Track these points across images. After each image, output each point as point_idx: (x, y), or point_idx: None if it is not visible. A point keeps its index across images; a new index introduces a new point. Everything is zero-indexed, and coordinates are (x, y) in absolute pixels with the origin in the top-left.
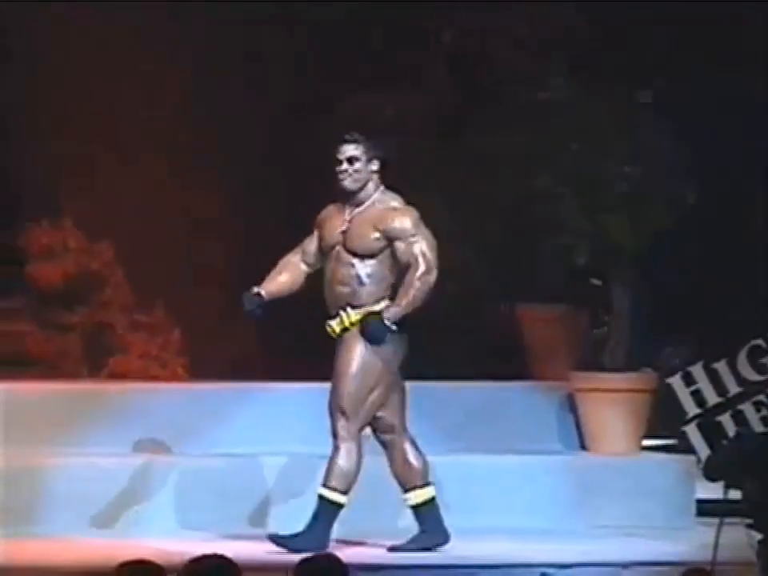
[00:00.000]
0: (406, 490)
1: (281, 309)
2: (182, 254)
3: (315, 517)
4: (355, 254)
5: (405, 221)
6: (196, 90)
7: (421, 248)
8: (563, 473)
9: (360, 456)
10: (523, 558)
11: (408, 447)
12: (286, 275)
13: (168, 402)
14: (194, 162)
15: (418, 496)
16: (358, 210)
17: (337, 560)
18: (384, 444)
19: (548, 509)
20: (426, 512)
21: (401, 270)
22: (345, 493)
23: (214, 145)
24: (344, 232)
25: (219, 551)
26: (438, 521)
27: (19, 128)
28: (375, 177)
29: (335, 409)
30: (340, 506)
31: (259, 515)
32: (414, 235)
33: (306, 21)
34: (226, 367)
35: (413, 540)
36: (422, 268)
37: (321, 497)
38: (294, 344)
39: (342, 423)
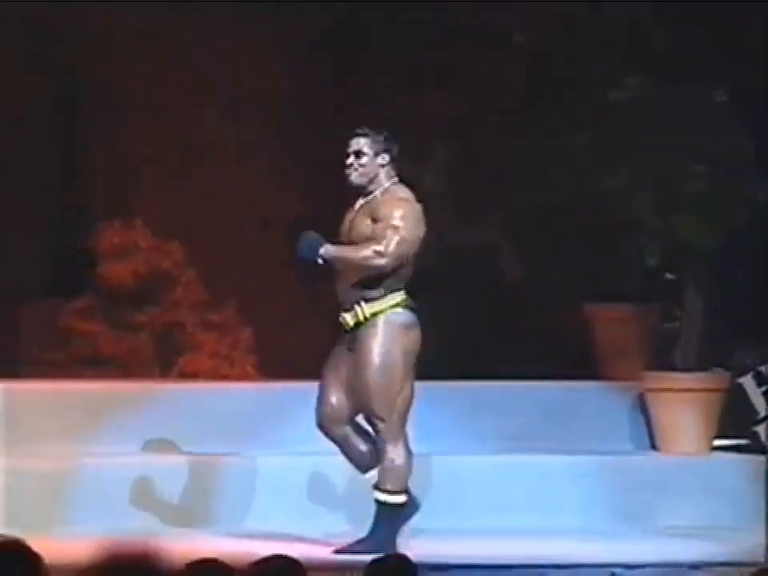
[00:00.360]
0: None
1: None
2: (253, 253)
3: (376, 521)
4: (357, 244)
5: (395, 210)
6: (264, 90)
7: (392, 234)
8: (634, 473)
9: (409, 452)
10: (593, 557)
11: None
12: None
13: (237, 401)
14: (265, 160)
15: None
16: (364, 200)
17: (407, 560)
18: (329, 436)
19: (618, 508)
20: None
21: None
22: (401, 492)
23: (285, 143)
24: (350, 227)
25: (285, 551)
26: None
27: (91, 128)
28: (386, 170)
29: (370, 414)
30: (400, 506)
31: (328, 515)
32: (395, 226)
33: (375, 20)
34: (295, 366)
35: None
36: (378, 247)
37: (378, 501)
38: None
39: (381, 426)
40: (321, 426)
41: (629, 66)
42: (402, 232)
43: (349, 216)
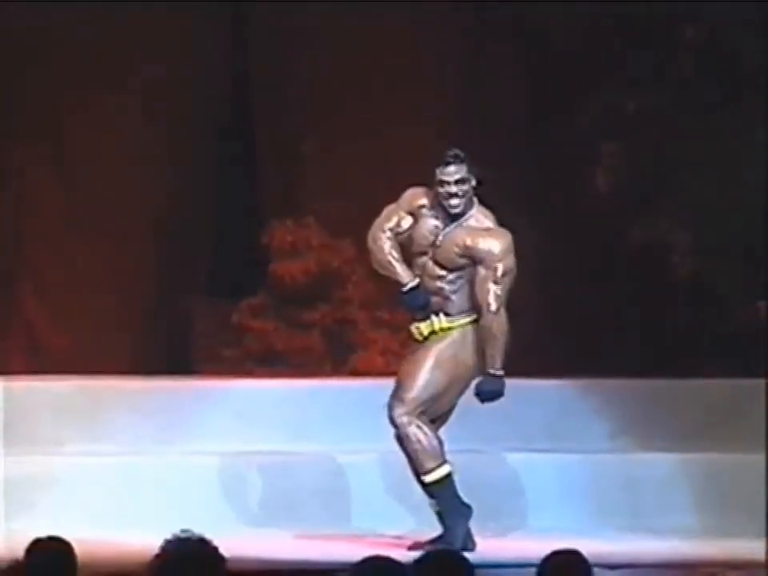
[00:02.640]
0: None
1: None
2: None
3: (442, 518)
4: (443, 267)
5: (494, 244)
6: (442, 84)
7: (495, 281)
8: None
9: (431, 428)
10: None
11: None
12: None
13: None
14: (431, 159)
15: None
16: (453, 224)
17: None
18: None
19: None
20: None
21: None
22: (443, 464)
23: (452, 143)
24: (434, 245)
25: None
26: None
27: (263, 128)
28: (472, 195)
29: (395, 398)
30: (447, 477)
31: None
32: (498, 262)
33: (546, 18)
34: None
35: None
36: (494, 305)
37: (427, 484)
38: (528, 340)
39: (398, 411)
40: (392, 420)
41: None
42: (502, 268)
43: (428, 227)
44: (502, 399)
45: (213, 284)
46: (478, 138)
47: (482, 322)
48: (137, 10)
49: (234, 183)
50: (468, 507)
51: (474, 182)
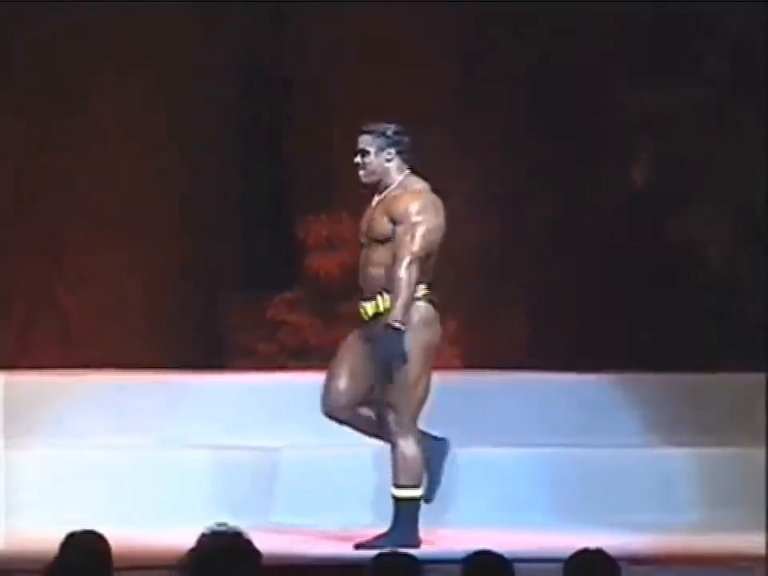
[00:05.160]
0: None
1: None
2: (455, 247)
3: (396, 517)
4: (377, 241)
5: (411, 203)
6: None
7: (412, 234)
8: None
9: (420, 448)
10: None
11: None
12: None
13: (441, 391)
14: (451, 159)
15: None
16: (380, 197)
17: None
18: (337, 420)
19: None
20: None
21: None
22: (416, 486)
23: (491, 140)
24: (369, 220)
25: None
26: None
27: (297, 123)
28: (395, 164)
29: (384, 404)
30: (416, 500)
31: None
32: (414, 223)
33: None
34: (499, 357)
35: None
36: (408, 257)
37: (394, 497)
38: (568, 335)
39: (392, 418)
40: (328, 414)
41: None
42: (423, 225)
43: (367, 214)
44: (534, 393)
45: (248, 279)
46: (515, 138)
47: (393, 273)
48: (167, 8)
49: (268, 178)
50: (417, 538)
51: (389, 154)
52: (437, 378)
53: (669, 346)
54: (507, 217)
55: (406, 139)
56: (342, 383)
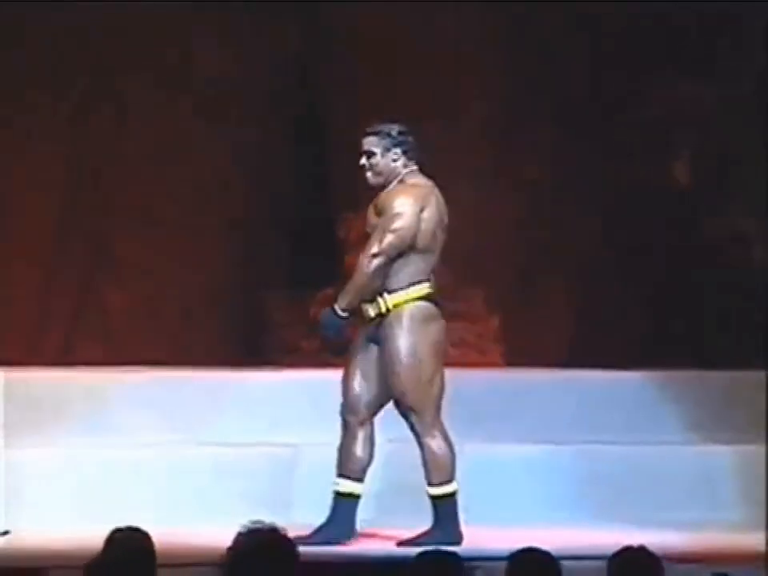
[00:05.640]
0: (340, 475)
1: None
2: (498, 246)
3: (436, 515)
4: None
5: (393, 199)
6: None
7: (384, 229)
8: None
9: (448, 442)
10: None
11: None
12: None
13: (484, 389)
14: (505, 160)
15: (344, 486)
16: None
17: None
18: (344, 421)
19: None
20: (343, 504)
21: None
22: (449, 482)
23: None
24: (365, 218)
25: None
26: (352, 517)
27: (337, 122)
28: (401, 164)
29: (405, 408)
30: (451, 495)
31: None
32: (392, 216)
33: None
34: (542, 355)
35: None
36: (372, 250)
37: (431, 496)
38: (612, 333)
39: (415, 419)
40: (346, 418)
41: None
42: (399, 221)
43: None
44: (577, 391)
45: (291, 276)
46: (555, 133)
47: (359, 267)
48: (214, 9)
49: (310, 178)
50: (457, 539)
51: (395, 155)
52: (480, 376)
53: (710, 343)
54: (550, 216)
55: (410, 138)
56: (357, 386)
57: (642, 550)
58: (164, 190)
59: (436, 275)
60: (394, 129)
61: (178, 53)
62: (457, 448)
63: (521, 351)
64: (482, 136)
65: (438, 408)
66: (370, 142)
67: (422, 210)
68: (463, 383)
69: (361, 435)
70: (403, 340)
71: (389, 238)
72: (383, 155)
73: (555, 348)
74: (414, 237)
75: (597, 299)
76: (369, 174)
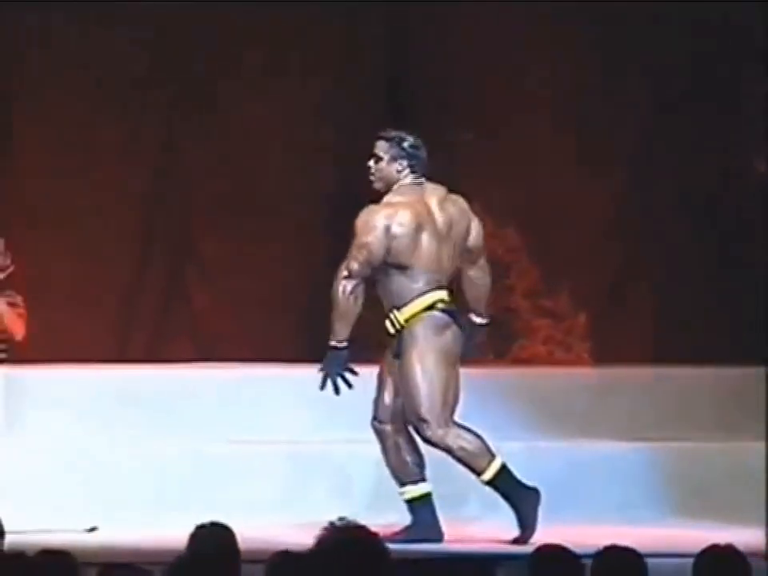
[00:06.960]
0: (402, 484)
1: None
2: (583, 244)
3: (508, 499)
4: None
5: (359, 219)
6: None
7: (351, 249)
8: None
9: (470, 432)
10: None
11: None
12: None
13: (570, 386)
14: (594, 157)
15: (410, 492)
16: None
17: (635, 551)
18: (379, 433)
19: None
20: (420, 507)
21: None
22: (492, 460)
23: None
24: None
25: None
26: (433, 516)
27: (422, 120)
28: (402, 176)
29: (416, 418)
30: (504, 469)
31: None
32: (357, 232)
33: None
34: (629, 352)
35: (403, 531)
36: (342, 274)
37: (486, 482)
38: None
39: (428, 432)
40: (375, 428)
41: None
42: (361, 240)
43: None
44: (663, 387)
45: None
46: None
47: (334, 290)
48: (294, 11)
49: None
50: (533, 491)
51: (400, 166)
52: (566, 373)
53: None
54: (639, 215)
55: (421, 154)
56: (386, 397)
57: (729, 547)
58: (252, 183)
59: (521, 273)
60: (408, 140)
61: (270, 56)
62: (541, 445)
63: (607, 348)
64: (574, 135)
65: (450, 413)
66: (381, 147)
67: (387, 228)
68: (549, 380)
69: (402, 441)
70: (415, 353)
71: (355, 260)
72: (389, 163)
73: (642, 345)
74: (386, 253)
75: (684, 296)
76: (371, 178)
